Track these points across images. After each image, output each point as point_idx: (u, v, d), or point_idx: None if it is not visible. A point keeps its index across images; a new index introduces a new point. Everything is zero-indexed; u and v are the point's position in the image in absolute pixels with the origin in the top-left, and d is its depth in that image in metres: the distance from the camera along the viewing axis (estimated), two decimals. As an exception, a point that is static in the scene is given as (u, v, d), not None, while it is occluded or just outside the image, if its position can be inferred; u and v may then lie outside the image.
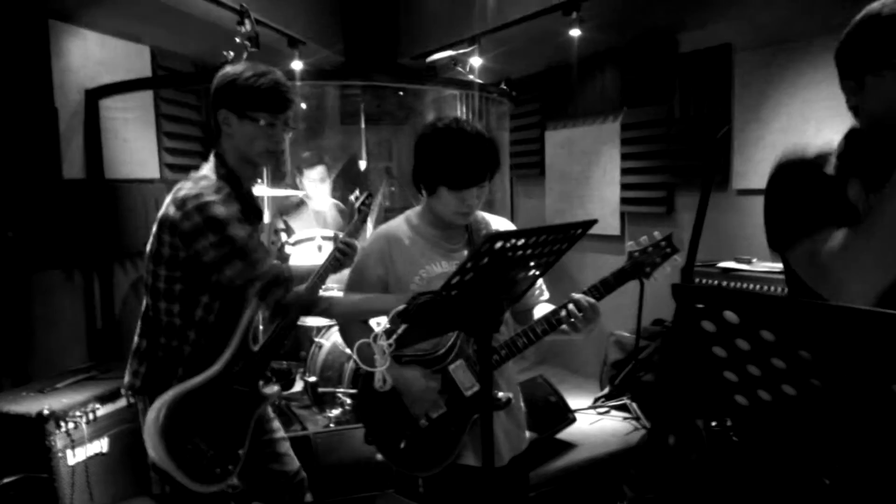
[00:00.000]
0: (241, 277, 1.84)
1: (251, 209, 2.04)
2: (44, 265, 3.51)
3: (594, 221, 1.46)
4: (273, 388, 2.12)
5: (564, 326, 1.77)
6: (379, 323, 2.06)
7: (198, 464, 1.86)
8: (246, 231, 1.86)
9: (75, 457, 2.61)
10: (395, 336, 1.33)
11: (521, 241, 1.30)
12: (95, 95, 3.99)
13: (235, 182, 1.94)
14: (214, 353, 1.93)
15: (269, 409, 2.21)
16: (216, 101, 1.91)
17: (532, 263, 1.43)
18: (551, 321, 1.78)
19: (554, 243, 1.41)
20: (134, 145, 4.32)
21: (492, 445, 1.41)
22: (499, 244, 1.25)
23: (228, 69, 1.91)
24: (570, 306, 1.76)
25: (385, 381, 1.60)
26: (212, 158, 1.95)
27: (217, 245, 1.82)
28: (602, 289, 1.80)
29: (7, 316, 3.39)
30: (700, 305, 0.92)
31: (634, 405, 3.91)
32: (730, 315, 0.89)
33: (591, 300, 1.76)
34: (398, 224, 2.00)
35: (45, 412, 2.52)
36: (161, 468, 1.81)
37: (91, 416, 2.69)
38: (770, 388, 0.92)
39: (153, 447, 1.79)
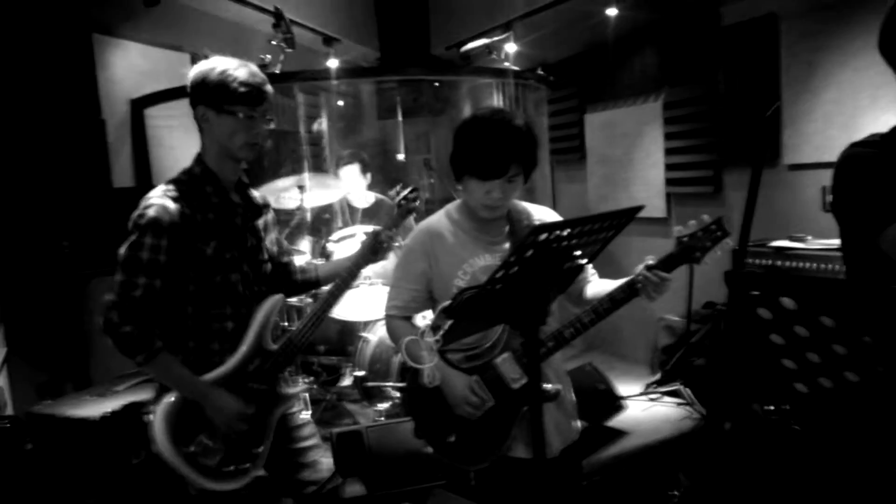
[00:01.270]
0: (113, 291, 1.80)
1: (248, 204, 2.03)
2: (100, 272, 3.63)
3: (641, 207, 1.43)
4: (295, 388, 2.11)
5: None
6: (424, 316, 2.07)
7: (208, 461, 1.86)
8: (160, 251, 1.79)
9: (137, 457, 2.70)
10: (441, 332, 1.32)
11: (566, 232, 1.28)
12: (140, 105, 4.09)
13: (212, 179, 1.92)
14: (224, 353, 1.93)
15: (301, 416, 2.17)
16: (192, 98, 1.89)
17: (578, 253, 1.41)
18: (616, 299, 1.74)
19: (599, 231, 1.38)
20: (180, 152, 4.39)
21: (542, 438, 1.39)
22: (543, 236, 1.23)
23: (201, 65, 1.88)
24: (640, 279, 1.71)
25: (434, 377, 1.60)
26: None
27: (127, 245, 1.81)
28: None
29: (68, 323, 3.53)
30: (755, 292, 0.89)
31: (687, 391, 3.83)
32: (787, 301, 0.86)
33: (661, 274, 1.70)
34: (439, 219, 1.99)
35: (108, 415, 2.61)
36: (170, 465, 1.82)
37: (151, 418, 2.77)
38: (831, 375, 0.88)
39: (159, 443, 1.81)
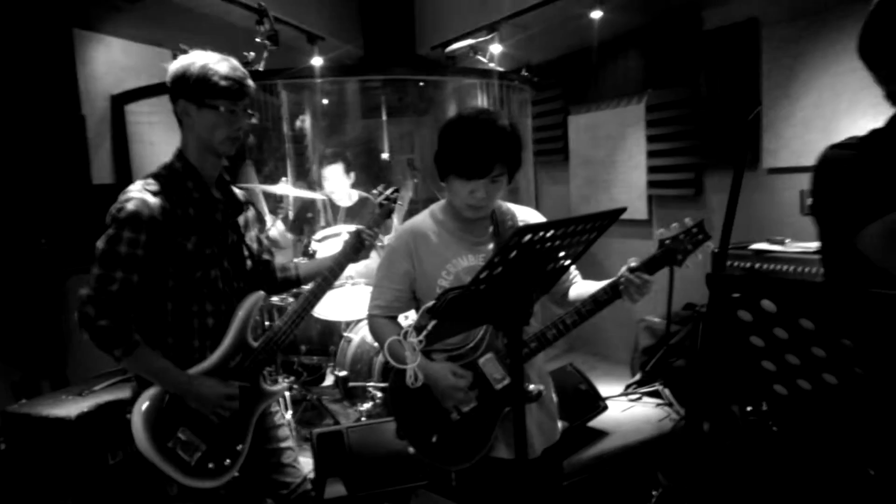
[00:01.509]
0: (90, 285, 1.78)
1: (229, 200, 2.02)
2: (77, 269, 3.59)
3: (623, 209, 1.44)
4: (277, 386, 2.10)
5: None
6: (406, 316, 2.06)
7: (188, 457, 1.84)
8: (138, 245, 1.77)
9: (114, 457, 2.67)
10: (424, 332, 1.32)
11: (550, 233, 1.28)
12: (121, 101, 4.05)
13: (192, 175, 1.91)
14: (205, 350, 1.92)
15: (278, 417, 2.17)
16: (173, 93, 1.87)
17: (561, 254, 1.42)
18: (599, 301, 1.75)
19: (583, 233, 1.39)
20: (160, 148, 4.38)
21: (524, 439, 1.40)
22: (527, 237, 1.24)
23: (182, 59, 1.87)
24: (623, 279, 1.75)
25: (417, 378, 1.59)
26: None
27: (105, 239, 1.79)
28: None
29: (44, 321, 3.48)
30: (736, 295, 0.90)
31: (667, 391, 3.87)
32: (767, 304, 0.86)
33: (644, 276, 1.74)
34: (423, 219, 1.99)
35: (84, 414, 2.58)
36: (149, 461, 1.80)
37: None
38: (810, 377, 0.90)
39: (138, 439, 1.79)
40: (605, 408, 3.50)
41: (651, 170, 4.64)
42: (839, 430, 0.95)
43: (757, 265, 3.24)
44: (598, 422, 3.49)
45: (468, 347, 1.85)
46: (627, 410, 3.82)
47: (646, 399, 3.95)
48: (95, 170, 3.90)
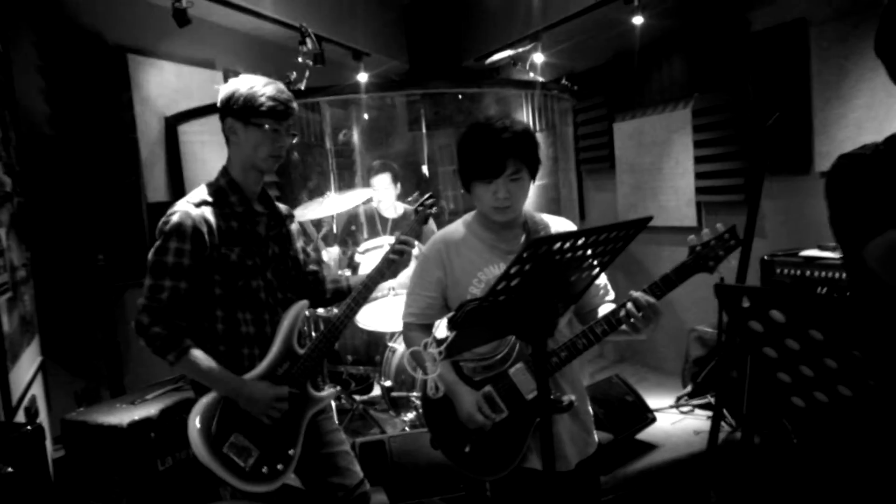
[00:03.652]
0: (143, 294, 1.88)
1: (272, 214, 2.11)
2: (133, 284, 3.75)
3: (649, 218, 1.42)
4: (325, 392, 2.15)
5: (624, 327, 1.72)
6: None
7: (242, 462, 1.90)
8: (184, 255, 1.88)
9: (164, 464, 2.77)
10: (445, 344, 1.33)
11: (569, 244, 1.27)
12: (174, 122, 4.21)
13: (236, 189, 2.01)
14: (254, 358, 1.99)
15: (333, 421, 2.23)
16: (222, 111, 2.00)
17: (585, 265, 1.40)
18: (611, 321, 1.73)
19: (607, 243, 1.37)
20: (211, 166, 4.50)
21: (552, 449, 1.39)
22: (544, 248, 1.24)
23: (232, 82, 2.00)
24: (629, 305, 1.69)
25: (437, 389, 1.60)
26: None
27: (154, 251, 1.90)
28: (663, 286, 1.73)
29: (103, 334, 3.64)
30: (746, 305, 0.88)
31: (719, 403, 3.76)
32: (776, 314, 0.85)
33: (650, 299, 1.69)
34: (456, 228, 2.01)
35: (135, 422, 2.68)
36: (206, 467, 1.86)
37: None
38: (825, 389, 0.87)
39: (195, 445, 1.86)
40: (654, 420, 3.43)
41: (699, 176, 4.54)
42: (859, 443, 0.92)
43: (807, 272, 3.12)
44: (647, 434, 3.42)
45: (498, 357, 1.85)
46: (678, 423, 3.73)
47: (697, 411, 3.85)
48: (151, 188, 4.07)
